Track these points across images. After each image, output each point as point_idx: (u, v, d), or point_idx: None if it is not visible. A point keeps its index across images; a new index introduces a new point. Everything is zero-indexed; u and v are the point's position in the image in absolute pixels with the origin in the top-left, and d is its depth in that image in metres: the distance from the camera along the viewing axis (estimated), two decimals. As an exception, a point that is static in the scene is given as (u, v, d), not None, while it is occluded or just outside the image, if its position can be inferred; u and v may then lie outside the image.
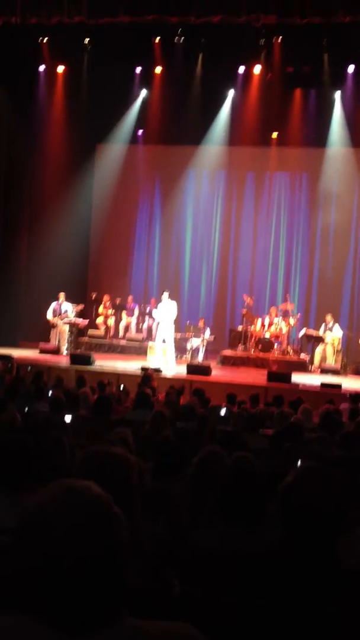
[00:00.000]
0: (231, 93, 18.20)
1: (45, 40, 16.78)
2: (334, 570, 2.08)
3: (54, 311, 16.52)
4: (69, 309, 16.49)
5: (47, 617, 1.24)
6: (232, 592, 2.11)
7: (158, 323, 15.54)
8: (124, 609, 1.29)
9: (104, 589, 1.26)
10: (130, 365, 14.12)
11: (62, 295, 16.62)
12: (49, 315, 16.49)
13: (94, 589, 1.25)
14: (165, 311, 15.02)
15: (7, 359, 12.79)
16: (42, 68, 17.75)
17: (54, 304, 16.56)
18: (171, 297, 15.40)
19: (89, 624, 1.25)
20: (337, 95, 17.55)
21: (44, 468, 3.66)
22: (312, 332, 16.34)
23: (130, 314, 17.99)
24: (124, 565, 1.29)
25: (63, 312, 16.49)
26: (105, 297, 17.90)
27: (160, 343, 15.12)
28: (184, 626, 1.32)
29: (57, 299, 16.62)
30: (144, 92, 18.59)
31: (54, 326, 16.50)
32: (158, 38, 16.48)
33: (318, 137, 17.91)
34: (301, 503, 2.11)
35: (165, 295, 15.04)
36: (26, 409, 7.08)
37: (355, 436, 6.00)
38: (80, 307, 16.75)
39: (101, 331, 17.60)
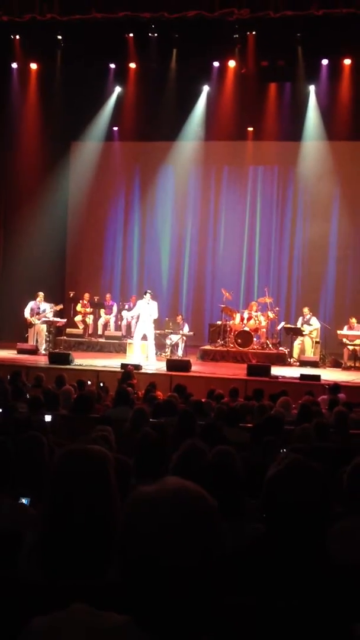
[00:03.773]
0: (206, 88, 18.20)
1: (17, 38, 16.65)
2: (323, 564, 2.08)
3: (32, 310, 16.40)
4: (47, 309, 16.40)
5: (145, 619, 1.24)
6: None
7: (138, 318, 15.50)
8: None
9: (201, 602, 1.25)
10: (109, 363, 14.09)
11: (40, 294, 16.52)
12: (27, 314, 16.37)
13: (192, 600, 1.24)
14: (146, 310, 14.99)
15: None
16: (14, 66, 17.59)
17: (31, 303, 16.44)
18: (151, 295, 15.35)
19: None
20: (312, 88, 17.62)
21: (23, 468, 3.64)
22: (290, 325, 16.43)
23: (109, 311, 17.94)
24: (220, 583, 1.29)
25: (41, 311, 16.39)
26: (86, 295, 17.83)
27: (139, 340, 15.10)
28: None
29: (35, 298, 16.50)
30: (118, 89, 18.51)
31: (31, 325, 16.40)
32: (131, 34, 16.40)
33: (293, 130, 17.97)
34: (286, 496, 2.11)
35: (148, 296, 15.03)
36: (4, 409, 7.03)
37: (333, 426, 6.04)
38: (59, 307, 16.66)
39: (80, 329, 17.53)
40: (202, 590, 1.25)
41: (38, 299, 16.48)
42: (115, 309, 17.96)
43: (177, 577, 1.23)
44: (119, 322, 17.86)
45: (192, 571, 1.24)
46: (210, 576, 1.26)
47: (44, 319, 16.31)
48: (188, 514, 1.27)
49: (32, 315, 16.37)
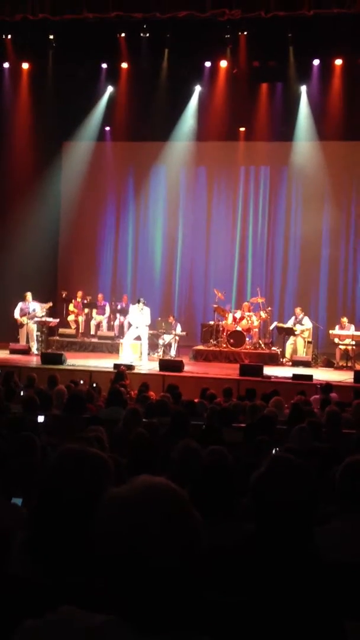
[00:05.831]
0: (198, 88, 18.20)
1: (8, 37, 16.61)
2: (309, 563, 2.09)
3: (21, 310, 16.37)
4: (37, 308, 16.36)
5: (127, 616, 1.26)
6: (208, 586, 2.12)
7: (129, 323, 15.55)
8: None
9: (179, 593, 1.27)
10: (102, 363, 14.08)
11: (28, 294, 16.46)
12: (16, 314, 16.34)
13: (167, 592, 1.25)
14: (139, 318, 15.01)
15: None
16: (6, 65, 17.55)
17: (20, 304, 16.40)
18: (143, 295, 15.32)
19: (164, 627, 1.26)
20: (303, 89, 17.66)
21: (16, 468, 3.64)
22: (283, 325, 16.46)
23: (101, 311, 17.92)
24: (200, 573, 1.30)
25: (31, 311, 16.35)
26: (80, 293, 17.81)
27: (132, 340, 15.10)
28: None
29: (23, 298, 16.46)
30: (110, 89, 18.49)
31: (21, 326, 16.37)
32: (123, 34, 16.38)
33: (285, 130, 18.02)
34: (272, 495, 2.12)
35: (140, 304, 15.04)
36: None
37: (325, 426, 6.05)
38: (49, 305, 16.62)
39: (72, 329, 17.50)
40: (179, 584, 1.26)
41: (27, 299, 16.45)
42: (107, 309, 17.95)
43: (154, 573, 1.25)
44: (112, 322, 17.85)
45: (169, 566, 1.25)
46: (188, 570, 1.27)
47: (35, 319, 16.27)
48: (158, 510, 1.29)
49: (22, 316, 16.34)
